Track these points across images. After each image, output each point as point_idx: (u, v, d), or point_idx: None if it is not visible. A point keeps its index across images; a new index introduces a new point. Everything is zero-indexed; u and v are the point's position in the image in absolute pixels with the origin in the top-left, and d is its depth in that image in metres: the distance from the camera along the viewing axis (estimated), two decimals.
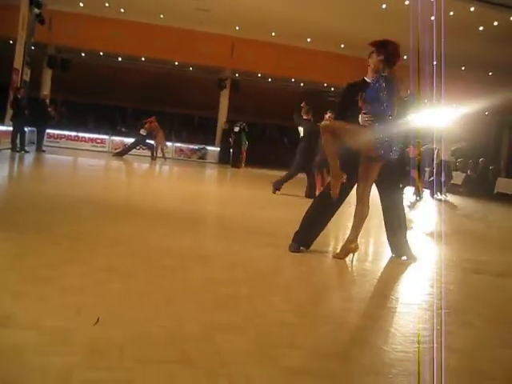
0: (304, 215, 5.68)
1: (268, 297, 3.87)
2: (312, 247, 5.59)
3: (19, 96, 16.87)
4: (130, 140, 22.13)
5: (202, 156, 24.39)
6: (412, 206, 12.52)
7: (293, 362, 2.72)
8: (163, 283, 3.87)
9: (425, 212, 12.23)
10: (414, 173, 12.70)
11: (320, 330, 3.33)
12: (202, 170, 19.92)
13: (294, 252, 5.43)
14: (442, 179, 16.28)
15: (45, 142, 19.76)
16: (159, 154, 20.94)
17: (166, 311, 3.26)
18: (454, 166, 16.57)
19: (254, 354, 2.76)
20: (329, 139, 5.22)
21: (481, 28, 16.67)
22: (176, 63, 23.96)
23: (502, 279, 5.69)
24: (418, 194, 13.44)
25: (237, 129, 22.52)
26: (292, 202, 10.52)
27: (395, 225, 5.77)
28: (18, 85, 17.77)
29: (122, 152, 20.66)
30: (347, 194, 5.61)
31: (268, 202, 10.56)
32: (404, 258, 5.77)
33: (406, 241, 5.84)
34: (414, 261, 5.74)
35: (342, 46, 20.47)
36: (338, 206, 5.63)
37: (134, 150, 20.92)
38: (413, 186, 12.86)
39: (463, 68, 21.70)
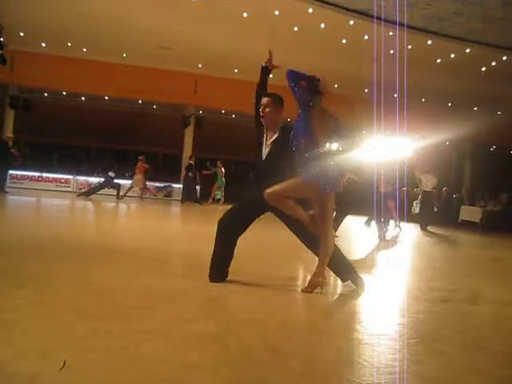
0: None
1: (237, 334, 3.83)
2: (279, 282, 5.58)
3: None
4: (94, 180, 22.06)
5: (168, 194, 24.28)
6: (394, 238, 12.41)
7: None
8: (131, 324, 3.80)
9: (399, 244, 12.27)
10: (391, 204, 12.72)
11: (291, 366, 3.29)
12: (167, 209, 19.80)
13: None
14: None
15: (8, 183, 19.50)
16: (134, 194, 20.96)
17: (134, 353, 3.20)
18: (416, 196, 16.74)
19: None
20: (285, 205, 5.35)
21: (438, 60, 17.06)
22: (140, 101, 23.96)
23: (470, 306, 5.72)
24: (398, 225, 13.42)
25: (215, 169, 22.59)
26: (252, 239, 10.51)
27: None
28: None
29: (89, 192, 20.48)
30: None
31: None
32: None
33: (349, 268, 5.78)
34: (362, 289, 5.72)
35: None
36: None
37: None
38: (390, 218, 12.79)
39: (423, 100, 22.13)
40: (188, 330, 3.76)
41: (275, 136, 5.71)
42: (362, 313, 5.08)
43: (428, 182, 15.99)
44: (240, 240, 5.66)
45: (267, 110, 5.72)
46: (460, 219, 21.10)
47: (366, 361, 3.46)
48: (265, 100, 5.76)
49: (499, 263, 10.75)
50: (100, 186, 20.63)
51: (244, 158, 27.40)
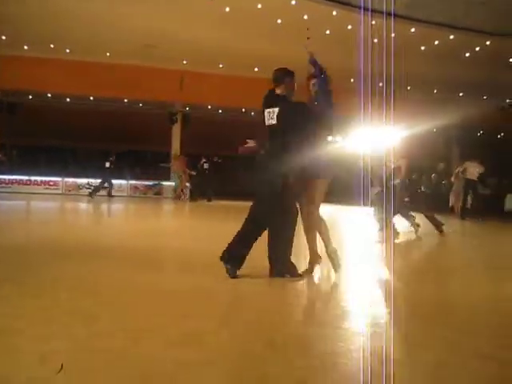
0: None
1: (235, 329, 3.84)
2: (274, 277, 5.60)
3: None
4: (82, 181, 22.14)
5: (158, 192, 24.25)
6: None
7: None
8: (128, 322, 3.80)
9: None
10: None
11: (290, 360, 3.29)
12: (158, 206, 19.78)
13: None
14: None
15: None
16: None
17: (133, 352, 3.20)
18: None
19: None
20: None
21: (423, 48, 17.09)
22: (125, 100, 23.89)
23: (460, 288, 5.76)
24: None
25: (206, 165, 22.60)
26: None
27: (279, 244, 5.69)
28: None
29: (94, 191, 20.61)
30: None
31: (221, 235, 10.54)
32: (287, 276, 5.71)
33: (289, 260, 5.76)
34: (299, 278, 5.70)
35: (256, 69, 20.71)
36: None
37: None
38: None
39: (409, 88, 22.17)
40: (185, 326, 3.76)
41: None
42: (353, 301, 5.10)
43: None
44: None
45: None
46: (450, 205, 21.19)
47: (363, 350, 3.47)
48: None
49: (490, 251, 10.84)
50: (101, 184, 20.76)
51: (233, 153, 27.41)
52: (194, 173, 22.33)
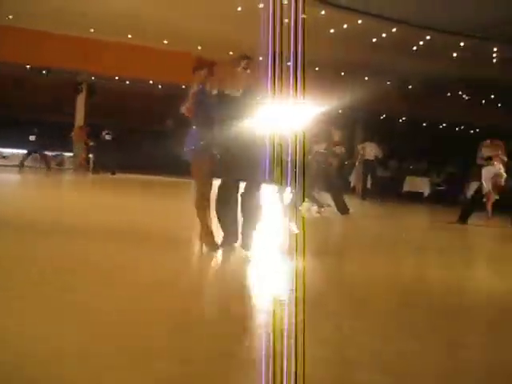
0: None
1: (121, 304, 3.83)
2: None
3: None
4: None
5: (60, 163, 23.57)
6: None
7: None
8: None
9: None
10: None
11: (208, 347, 3.32)
12: (62, 179, 19.29)
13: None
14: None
15: None
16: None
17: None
18: None
19: None
20: None
21: (332, 30, 17.36)
22: (28, 67, 22.94)
23: (362, 270, 5.97)
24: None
25: (109, 137, 22.12)
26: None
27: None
28: None
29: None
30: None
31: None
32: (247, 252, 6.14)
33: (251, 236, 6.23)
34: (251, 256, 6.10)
35: (200, 47, 20.52)
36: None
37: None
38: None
39: (317, 68, 22.48)
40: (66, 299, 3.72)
41: None
42: (256, 280, 5.19)
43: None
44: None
45: None
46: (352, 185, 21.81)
47: (264, 328, 3.55)
48: None
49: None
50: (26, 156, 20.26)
51: (138, 125, 27.04)
52: (92, 143, 21.86)
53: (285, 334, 3.33)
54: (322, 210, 11.76)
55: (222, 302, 4.27)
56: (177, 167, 21.06)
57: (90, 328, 3.21)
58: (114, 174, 20.93)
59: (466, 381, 3.00)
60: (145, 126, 27.38)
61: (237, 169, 6.10)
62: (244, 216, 6.28)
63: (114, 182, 18.97)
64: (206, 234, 6.01)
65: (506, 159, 11.80)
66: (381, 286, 5.26)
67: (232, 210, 6.28)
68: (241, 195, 6.30)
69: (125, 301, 3.89)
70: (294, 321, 3.57)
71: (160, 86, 24.82)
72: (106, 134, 22.43)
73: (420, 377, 2.96)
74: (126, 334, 3.17)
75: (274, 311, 3.94)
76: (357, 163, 19.16)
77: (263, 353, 3.02)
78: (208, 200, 6.06)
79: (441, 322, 4.11)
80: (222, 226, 6.28)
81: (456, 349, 3.48)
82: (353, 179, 19.75)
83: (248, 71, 6.34)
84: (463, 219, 11.87)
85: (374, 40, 17.92)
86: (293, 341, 3.12)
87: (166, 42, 20.64)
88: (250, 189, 6.25)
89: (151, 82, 24.17)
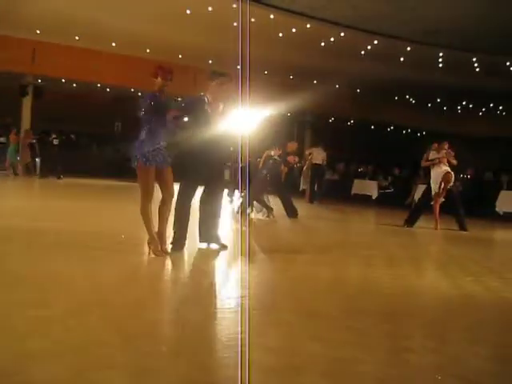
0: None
1: (82, 316, 3.75)
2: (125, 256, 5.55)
3: None
4: None
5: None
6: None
7: None
8: None
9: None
10: None
11: (137, 346, 3.27)
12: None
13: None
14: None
15: None
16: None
17: None
18: None
19: (75, 382, 2.67)
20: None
21: (280, 34, 17.45)
22: None
23: (308, 274, 6.00)
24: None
25: (56, 141, 21.68)
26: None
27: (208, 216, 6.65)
28: None
29: None
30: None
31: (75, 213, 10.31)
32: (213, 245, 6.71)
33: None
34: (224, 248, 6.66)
35: (148, 50, 20.38)
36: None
37: None
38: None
39: (266, 72, 22.58)
40: (29, 315, 3.62)
41: None
42: (204, 287, 5.16)
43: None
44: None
45: None
46: (301, 188, 21.95)
47: (211, 335, 3.53)
48: None
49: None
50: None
51: (86, 128, 26.69)
52: (34, 140, 21.45)
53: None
54: (271, 213, 11.87)
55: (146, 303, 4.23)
56: (125, 170, 20.94)
57: None
58: (60, 178, 20.51)
59: None
60: (92, 129, 27.04)
61: (198, 173, 6.44)
62: (207, 217, 6.60)
63: (60, 186, 18.61)
64: (152, 240, 6.00)
65: (455, 162, 12.05)
66: (322, 287, 5.29)
67: (188, 215, 6.51)
68: (201, 198, 6.70)
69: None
70: (240, 329, 3.56)
71: (108, 89, 24.58)
72: (54, 138, 21.98)
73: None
74: None
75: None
76: (305, 168, 19.32)
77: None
78: (150, 207, 6.09)
79: (384, 324, 4.15)
80: (178, 230, 6.44)
81: (406, 353, 3.51)
82: (302, 183, 19.88)
83: (223, 87, 6.66)
84: (410, 222, 12.06)
85: (323, 44, 18.09)
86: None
87: (114, 44, 20.42)
88: (212, 192, 6.61)
89: (99, 85, 23.89)
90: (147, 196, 6.01)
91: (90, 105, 25.23)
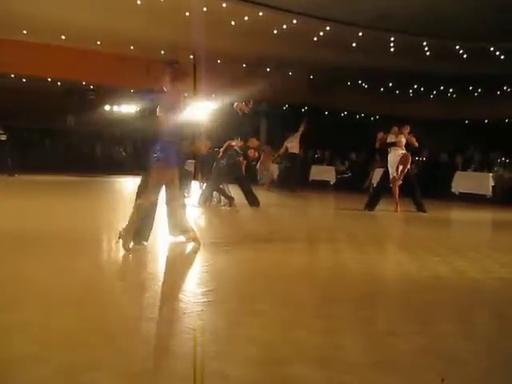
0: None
1: (61, 318, 3.68)
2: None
3: None
4: None
5: None
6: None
7: None
8: None
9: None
10: None
11: (119, 347, 3.23)
12: None
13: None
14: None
15: None
16: None
17: None
18: None
19: None
20: None
21: (233, 23, 17.34)
22: None
23: (278, 263, 6.01)
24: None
25: (4, 137, 21.12)
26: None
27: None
28: None
29: None
30: None
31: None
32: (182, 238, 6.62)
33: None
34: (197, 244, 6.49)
35: (99, 42, 20.03)
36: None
37: None
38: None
39: (219, 61, 22.46)
40: (4, 318, 3.54)
41: None
42: (179, 282, 5.13)
43: None
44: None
45: None
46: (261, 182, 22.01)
47: (192, 330, 3.50)
48: None
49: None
50: None
51: (39, 124, 26.18)
52: None
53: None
54: (232, 203, 11.91)
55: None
56: (79, 165, 20.51)
57: None
58: (12, 175, 20.03)
59: None
60: (44, 124, 26.51)
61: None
62: (173, 210, 6.49)
63: (13, 184, 18.22)
64: (127, 234, 5.96)
65: (417, 144, 12.26)
66: (293, 275, 5.32)
67: (154, 209, 6.52)
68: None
69: None
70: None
71: (59, 83, 24.10)
72: (1, 133, 21.42)
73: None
74: None
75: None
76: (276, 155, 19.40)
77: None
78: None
79: (361, 310, 4.19)
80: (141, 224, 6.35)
81: (390, 336, 3.55)
82: (263, 176, 19.80)
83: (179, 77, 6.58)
84: (371, 206, 12.20)
85: (275, 32, 18.05)
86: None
87: (63, 37, 20.00)
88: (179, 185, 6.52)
89: (49, 79, 23.40)
90: (154, 193, 6.19)
91: (40, 99, 24.68)
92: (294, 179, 18.20)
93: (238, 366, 2.91)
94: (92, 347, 3.13)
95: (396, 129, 12.34)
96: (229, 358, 3.02)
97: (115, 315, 3.83)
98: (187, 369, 2.87)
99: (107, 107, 26.32)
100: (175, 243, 6.69)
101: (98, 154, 27.51)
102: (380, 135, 12.58)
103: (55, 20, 17.54)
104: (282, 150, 18.65)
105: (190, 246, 6.54)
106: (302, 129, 17.85)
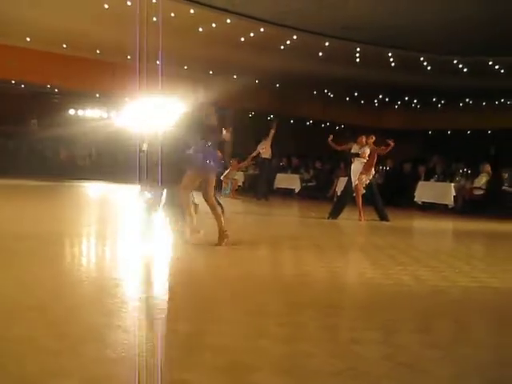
0: None
1: (20, 323, 3.62)
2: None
3: None
4: None
5: None
6: None
7: None
8: None
9: None
10: None
11: (82, 353, 3.19)
12: None
13: None
14: None
15: None
16: None
17: None
18: None
19: None
20: None
21: (200, 29, 17.34)
22: None
23: (243, 270, 6.01)
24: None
25: None
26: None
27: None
28: None
29: None
30: None
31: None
32: None
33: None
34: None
35: (65, 46, 19.84)
36: None
37: None
38: None
39: (186, 67, 22.43)
40: None
41: None
42: (142, 288, 5.10)
43: None
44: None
45: None
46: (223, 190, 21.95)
47: (155, 338, 3.49)
48: None
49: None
50: None
51: (2, 127, 25.80)
52: None
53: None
54: (196, 210, 11.80)
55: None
56: (42, 169, 20.24)
57: None
58: None
59: None
60: (7, 127, 26.12)
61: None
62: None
63: None
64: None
65: (384, 152, 12.40)
66: (258, 283, 5.33)
67: None
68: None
69: None
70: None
71: (23, 86, 23.80)
72: None
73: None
74: None
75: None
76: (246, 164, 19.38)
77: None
78: None
79: (327, 318, 4.21)
80: None
81: (354, 344, 3.57)
82: (227, 187, 19.73)
83: None
84: (334, 214, 12.27)
85: (242, 39, 18.10)
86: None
87: (28, 39, 19.75)
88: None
89: (13, 81, 23.09)
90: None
91: (3, 102, 24.34)
92: (263, 186, 18.19)
93: (201, 374, 2.90)
94: (57, 354, 3.09)
95: (363, 138, 12.39)
96: (193, 367, 3.00)
97: (80, 321, 3.79)
98: (150, 376, 2.87)
99: (72, 111, 26.08)
100: (147, 248, 6.64)
101: (61, 158, 27.17)
102: (330, 139, 12.74)
103: (20, 22, 17.33)
104: (254, 153, 18.51)
105: (162, 249, 6.50)
106: (272, 132, 17.78)
